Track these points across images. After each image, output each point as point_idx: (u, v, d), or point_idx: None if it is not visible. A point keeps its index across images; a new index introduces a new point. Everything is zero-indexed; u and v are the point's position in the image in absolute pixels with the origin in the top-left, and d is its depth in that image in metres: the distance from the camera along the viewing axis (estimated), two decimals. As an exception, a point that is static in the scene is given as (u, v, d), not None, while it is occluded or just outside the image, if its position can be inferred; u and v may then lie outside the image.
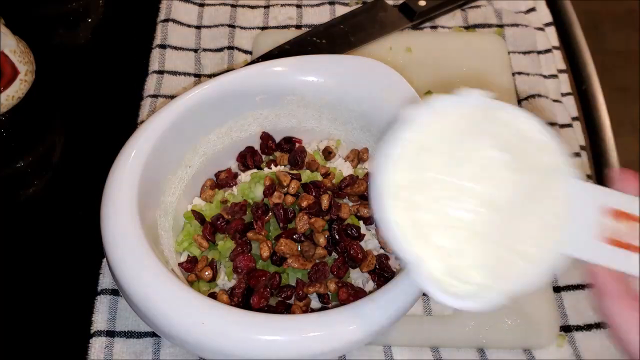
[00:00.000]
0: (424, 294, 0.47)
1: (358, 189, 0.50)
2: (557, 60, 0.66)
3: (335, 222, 0.49)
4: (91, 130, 0.60)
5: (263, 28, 0.67)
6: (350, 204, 0.51)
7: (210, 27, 0.67)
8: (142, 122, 0.55)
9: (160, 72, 0.63)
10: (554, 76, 0.64)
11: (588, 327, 0.50)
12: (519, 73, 0.64)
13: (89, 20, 0.68)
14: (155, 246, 0.43)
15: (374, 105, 0.51)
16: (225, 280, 0.48)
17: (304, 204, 0.48)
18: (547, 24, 0.69)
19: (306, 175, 0.51)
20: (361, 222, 0.50)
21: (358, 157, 0.54)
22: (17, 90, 0.57)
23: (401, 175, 0.33)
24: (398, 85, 0.50)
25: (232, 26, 0.67)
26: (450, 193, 0.33)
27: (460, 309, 0.32)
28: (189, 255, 0.49)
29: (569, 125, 0.61)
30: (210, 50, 0.65)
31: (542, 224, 0.32)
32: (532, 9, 0.70)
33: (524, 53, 0.65)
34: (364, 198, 0.51)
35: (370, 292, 0.45)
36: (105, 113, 0.61)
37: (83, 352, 0.47)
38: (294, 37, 0.63)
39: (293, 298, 0.47)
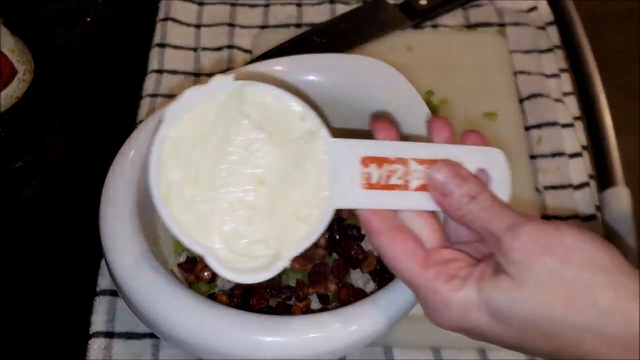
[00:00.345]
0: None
1: (358, 189, 0.50)
2: (558, 60, 0.65)
3: (336, 223, 0.48)
4: (90, 129, 0.60)
5: (263, 27, 0.67)
6: (351, 204, 0.51)
7: (209, 26, 0.66)
8: (142, 121, 0.54)
9: (160, 72, 0.62)
10: (556, 75, 0.64)
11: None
12: (521, 72, 0.63)
13: (88, 19, 0.68)
14: (154, 247, 0.43)
15: (375, 105, 0.51)
16: (225, 281, 0.47)
17: (304, 204, 0.48)
18: (549, 23, 0.68)
19: (306, 175, 0.51)
20: (362, 223, 0.50)
21: (358, 156, 0.54)
22: (15, 89, 0.57)
23: (171, 173, 0.34)
24: (399, 85, 0.50)
25: (231, 25, 0.66)
26: (223, 180, 0.35)
27: (255, 281, 0.34)
28: (188, 256, 0.49)
29: (571, 125, 0.60)
30: (209, 49, 0.65)
31: (313, 187, 0.35)
32: (534, 8, 0.69)
33: (526, 52, 0.65)
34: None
35: (371, 293, 0.45)
36: (105, 112, 0.60)
37: (82, 353, 0.47)
38: (294, 36, 0.63)
39: (293, 299, 0.46)
